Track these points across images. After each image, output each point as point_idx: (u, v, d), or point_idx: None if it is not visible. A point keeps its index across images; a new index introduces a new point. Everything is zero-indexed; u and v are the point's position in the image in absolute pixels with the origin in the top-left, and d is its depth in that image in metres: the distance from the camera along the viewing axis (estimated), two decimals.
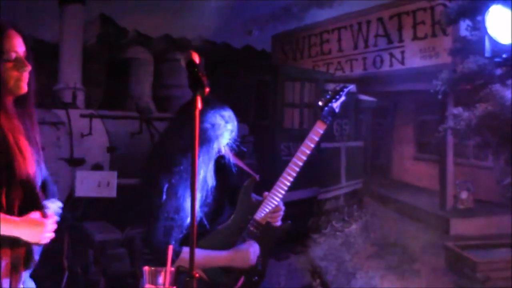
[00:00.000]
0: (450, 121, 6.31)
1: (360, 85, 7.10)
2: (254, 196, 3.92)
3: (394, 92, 6.95)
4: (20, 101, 2.97)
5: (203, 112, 3.70)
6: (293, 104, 7.26)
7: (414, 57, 6.76)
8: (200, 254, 3.57)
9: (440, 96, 6.38)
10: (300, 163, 3.85)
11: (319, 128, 3.88)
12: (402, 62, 6.84)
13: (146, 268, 2.75)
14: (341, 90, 3.96)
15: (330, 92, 3.95)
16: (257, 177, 3.92)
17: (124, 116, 6.51)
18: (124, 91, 6.96)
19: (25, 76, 2.96)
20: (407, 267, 6.41)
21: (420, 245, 6.45)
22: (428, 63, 6.67)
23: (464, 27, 6.33)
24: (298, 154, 3.85)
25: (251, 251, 3.76)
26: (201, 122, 3.70)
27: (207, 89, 2.46)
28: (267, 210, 3.84)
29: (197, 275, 2.39)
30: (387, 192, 7.12)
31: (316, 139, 3.85)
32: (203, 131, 3.70)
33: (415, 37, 6.76)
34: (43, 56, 6.58)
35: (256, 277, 3.84)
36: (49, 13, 6.89)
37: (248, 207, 3.86)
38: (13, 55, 2.92)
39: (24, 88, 2.97)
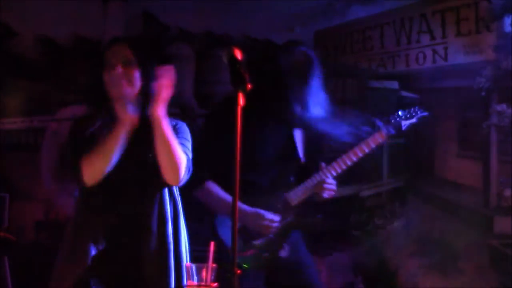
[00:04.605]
0: (494, 118, 6.26)
1: (403, 82, 7.06)
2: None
3: (437, 88, 6.89)
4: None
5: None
6: (335, 100, 7.23)
7: (457, 53, 6.70)
8: (224, 196, 3.67)
9: (483, 93, 6.33)
10: (349, 163, 3.87)
11: (380, 137, 3.91)
12: (445, 59, 6.78)
13: (188, 264, 2.77)
14: (415, 112, 3.99)
15: (405, 111, 3.98)
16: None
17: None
18: None
19: (117, 78, 3.20)
20: (450, 265, 6.37)
21: (463, 243, 6.40)
22: (471, 59, 6.61)
23: (508, 23, 6.27)
24: (350, 154, 3.88)
25: (268, 217, 3.79)
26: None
27: (249, 86, 2.48)
28: (298, 193, 3.90)
29: (238, 271, 2.40)
30: (429, 189, 7.07)
31: (373, 146, 3.88)
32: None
33: (458, 34, 6.70)
34: (87, 53, 6.65)
35: (267, 254, 3.86)
36: (92, 10, 6.94)
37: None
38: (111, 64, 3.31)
39: (111, 92, 3.21)
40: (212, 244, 2.79)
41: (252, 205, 3.83)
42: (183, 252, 3.37)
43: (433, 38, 6.86)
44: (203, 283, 2.70)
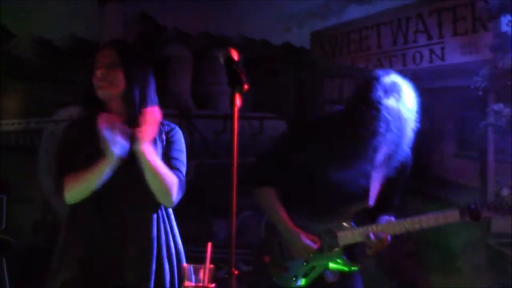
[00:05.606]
0: (491, 118, 6.26)
1: None
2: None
3: (434, 88, 6.89)
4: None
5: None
6: (332, 101, 7.24)
7: (454, 53, 6.71)
8: (276, 207, 3.58)
9: (480, 93, 6.33)
10: (409, 228, 3.64)
11: (451, 218, 3.66)
12: (442, 58, 6.78)
13: (185, 265, 2.77)
14: (503, 209, 3.65)
15: (493, 202, 3.68)
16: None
17: (164, 114, 6.54)
18: (163, 89, 7.00)
19: (99, 81, 3.21)
20: (448, 265, 6.36)
21: (461, 243, 6.39)
22: (468, 59, 6.61)
23: (505, 23, 6.28)
24: (415, 220, 3.64)
25: (304, 242, 3.65)
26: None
27: (246, 86, 2.47)
28: (348, 235, 3.71)
29: (236, 272, 2.39)
30: (427, 189, 7.07)
31: (442, 223, 3.64)
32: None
33: (455, 33, 6.70)
34: (84, 55, 6.66)
35: (295, 277, 3.73)
36: (90, 11, 6.95)
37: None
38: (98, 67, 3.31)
39: (97, 93, 3.23)
40: (209, 244, 2.78)
41: (302, 227, 3.67)
42: (173, 253, 3.34)
43: (430, 37, 6.87)
44: (201, 284, 2.70)
